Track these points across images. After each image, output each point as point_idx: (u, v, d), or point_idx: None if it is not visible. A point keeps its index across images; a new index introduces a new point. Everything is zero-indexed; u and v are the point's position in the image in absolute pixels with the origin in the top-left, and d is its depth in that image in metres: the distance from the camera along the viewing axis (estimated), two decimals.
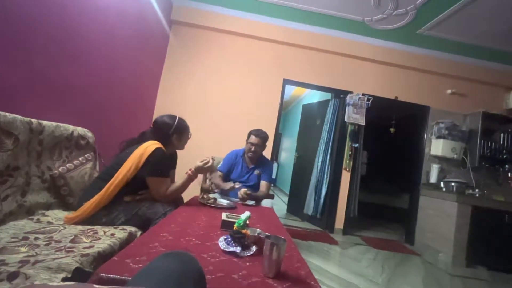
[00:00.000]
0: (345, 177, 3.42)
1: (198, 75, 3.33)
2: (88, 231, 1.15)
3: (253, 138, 2.11)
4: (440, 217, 2.94)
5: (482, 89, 3.60)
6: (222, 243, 0.89)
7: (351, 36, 3.42)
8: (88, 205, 1.25)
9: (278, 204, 4.77)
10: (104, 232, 1.16)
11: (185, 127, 1.61)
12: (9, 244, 0.91)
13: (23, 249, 0.88)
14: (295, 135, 5.29)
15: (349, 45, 3.44)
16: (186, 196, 1.68)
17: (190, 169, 1.49)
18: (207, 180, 2.54)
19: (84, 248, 0.95)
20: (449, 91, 3.55)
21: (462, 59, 3.52)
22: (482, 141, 3.23)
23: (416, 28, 3.07)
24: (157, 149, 1.38)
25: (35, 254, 0.86)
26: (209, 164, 1.52)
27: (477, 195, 2.98)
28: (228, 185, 1.95)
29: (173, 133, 1.53)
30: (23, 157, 1.21)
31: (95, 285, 0.31)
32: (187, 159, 3.10)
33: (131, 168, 1.32)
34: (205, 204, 1.58)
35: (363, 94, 3.40)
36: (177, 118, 1.56)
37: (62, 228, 1.15)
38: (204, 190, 2.30)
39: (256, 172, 2.17)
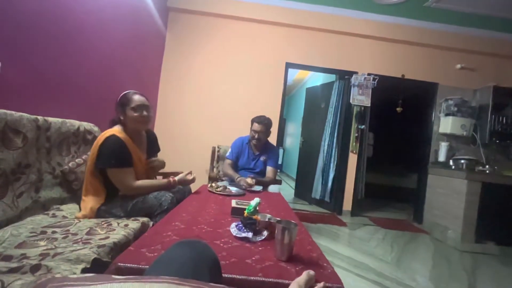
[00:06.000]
0: (352, 159, 3.40)
1: (198, 63, 3.27)
2: (103, 223, 1.18)
3: (256, 126, 2.09)
4: (449, 195, 2.92)
5: (492, 62, 3.46)
6: (233, 229, 0.91)
7: (356, 14, 3.28)
8: (82, 204, 1.29)
9: (285, 189, 4.82)
10: (118, 224, 1.19)
11: (124, 101, 1.37)
12: (29, 238, 0.94)
13: (42, 243, 0.91)
14: (299, 119, 5.24)
15: (354, 23, 3.30)
16: (194, 186, 1.69)
17: (173, 178, 1.49)
18: (214, 169, 2.56)
19: (100, 239, 0.98)
20: (458, 66, 3.43)
21: (471, 31, 3.36)
22: (493, 116, 3.15)
23: (424, 1, 2.92)
24: (108, 137, 1.27)
25: (54, 247, 0.89)
26: (191, 177, 1.57)
27: (487, 171, 2.94)
28: (242, 180, 1.90)
29: (117, 110, 1.38)
30: (33, 154, 1.23)
31: (113, 276, 0.31)
32: (192, 146, 3.15)
33: (91, 161, 1.28)
34: (214, 192, 1.60)
35: (369, 74, 3.31)
36: (121, 95, 1.40)
37: (78, 221, 1.18)
38: (212, 179, 2.32)
39: (262, 158, 2.17)
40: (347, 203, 3.39)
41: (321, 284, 0.58)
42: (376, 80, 3.28)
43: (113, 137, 1.28)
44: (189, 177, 1.57)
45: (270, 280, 0.65)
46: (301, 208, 3.53)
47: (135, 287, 0.29)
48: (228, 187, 1.72)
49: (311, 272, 0.58)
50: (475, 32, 3.36)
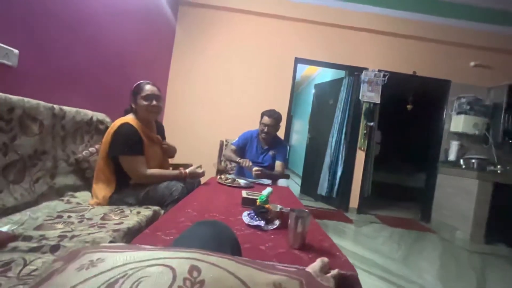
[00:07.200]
0: (360, 156, 3.37)
1: (207, 56, 3.28)
2: (116, 210, 1.20)
3: (266, 119, 2.09)
4: (458, 195, 2.88)
5: (508, 60, 3.36)
6: (246, 217, 0.92)
7: (367, 8, 3.22)
8: (93, 192, 1.32)
9: (291, 185, 4.80)
10: (131, 211, 1.21)
11: (136, 90, 1.41)
12: (46, 222, 0.97)
13: (59, 226, 0.94)
14: (306, 117, 5.21)
15: (365, 18, 3.25)
16: (203, 179, 1.70)
17: (183, 170, 1.49)
18: (222, 162, 2.58)
19: (115, 224, 1.00)
20: (472, 63, 3.34)
21: (487, 27, 3.26)
22: (507, 115, 3.07)
23: None
24: (121, 125, 1.30)
25: (71, 230, 0.91)
26: (201, 171, 1.58)
27: (499, 171, 2.88)
28: (245, 161, 1.95)
29: (131, 99, 1.43)
30: (49, 142, 1.26)
31: (142, 245, 0.32)
32: (200, 140, 3.17)
33: (104, 149, 1.31)
34: (223, 184, 1.62)
35: (379, 70, 3.26)
36: (135, 84, 1.45)
37: (92, 207, 1.21)
38: (220, 172, 2.34)
39: (271, 153, 2.17)
40: (354, 201, 3.37)
41: (335, 271, 0.58)
42: (387, 77, 3.23)
43: (126, 125, 1.31)
44: (199, 170, 1.59)
45: (285, 265, 0.65)
46: (307, 204, 3.52)
47: (165, 254, 0.29)
48: (236, 180, 1.73)
49: (325, 259, 0.57)
50: (490, 28, 3.27)
